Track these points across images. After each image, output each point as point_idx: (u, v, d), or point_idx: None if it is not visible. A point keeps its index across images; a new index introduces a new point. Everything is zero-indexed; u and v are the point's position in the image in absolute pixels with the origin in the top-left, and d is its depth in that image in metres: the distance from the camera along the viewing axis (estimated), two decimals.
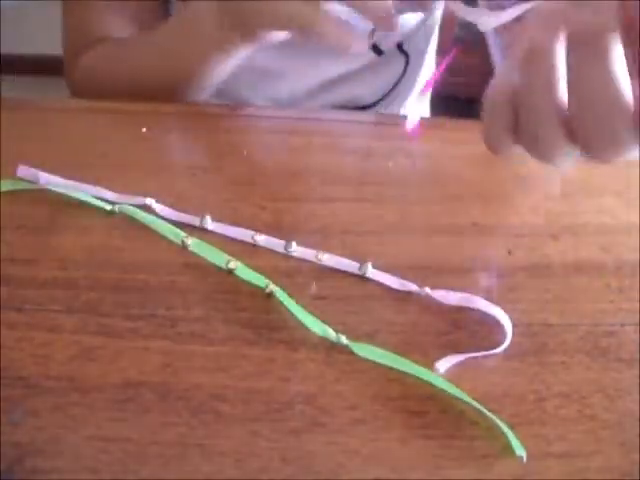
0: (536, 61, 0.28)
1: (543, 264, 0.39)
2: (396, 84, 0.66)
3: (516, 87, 0.30)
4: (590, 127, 0.28)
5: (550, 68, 0.28)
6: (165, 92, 0.50)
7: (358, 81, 0.63)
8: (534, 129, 0.30)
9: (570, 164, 0.31)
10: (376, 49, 0.62)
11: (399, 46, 0.63)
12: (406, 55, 0.65)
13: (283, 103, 0.62)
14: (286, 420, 0.29)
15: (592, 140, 0.28)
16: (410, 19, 0.61)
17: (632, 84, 0.27)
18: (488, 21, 0.35)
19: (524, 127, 0.30)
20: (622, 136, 0.27)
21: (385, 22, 0.40)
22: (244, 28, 0.45)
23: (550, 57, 0.28)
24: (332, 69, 0.62)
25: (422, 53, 0.68)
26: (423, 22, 0.63)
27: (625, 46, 0.27)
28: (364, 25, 0.43)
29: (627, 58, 0.27)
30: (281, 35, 0.45)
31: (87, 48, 0.56)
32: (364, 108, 0.65)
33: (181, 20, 0.51)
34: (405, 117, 0.40)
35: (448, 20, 0.69)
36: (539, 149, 0.30)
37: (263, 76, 0.61)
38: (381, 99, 0.66)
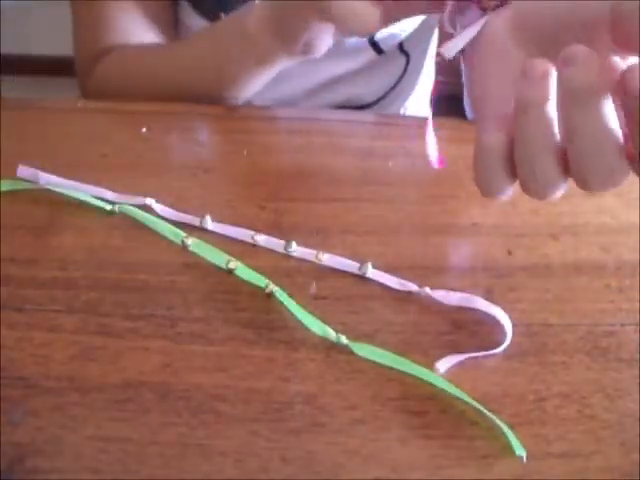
0: (530, 113, 0.29)
1: (543, 264, 0.39)
2: (396, 84, 0.66)
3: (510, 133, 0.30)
4: (586, 164, 0.29)
5: (545, 118, 0.29)
6: (193, 99, 0.50)
7: (358, 81, 0.63)
8: (531, 169, 0.30)
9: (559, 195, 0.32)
10: (377, 48, 0.61)
11: (400, 46, 0.63)
12: (407, 55, 0.64)
13: (283, 103, 0.62)
14: (286, 420, 0.29)
15: (588, 175, 0.29)
16: (412, 20, 0.61)
17: (619, 118, 0.28)
18: (449, 47, 0.36)
19: (520, 164, 0.31)
20: (616, 170, 0.30)
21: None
22: (287, 34, 0.44)
23: (544, 109, 0.28)
24: (332, 69, 0.62)
25: (422, 53, 0.68)
26: (425, 23, 0.63)
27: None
28: None
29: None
30: (320, 47, 0.45)
31: (101, 56, 0.56)
32: (364, 108, 0.65)
33: (222, 29, 0.50)
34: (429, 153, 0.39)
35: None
36: (532, 185, 0.31)
37: None
38: (381, 99, 0.66)
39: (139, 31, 0.56)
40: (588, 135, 0.28)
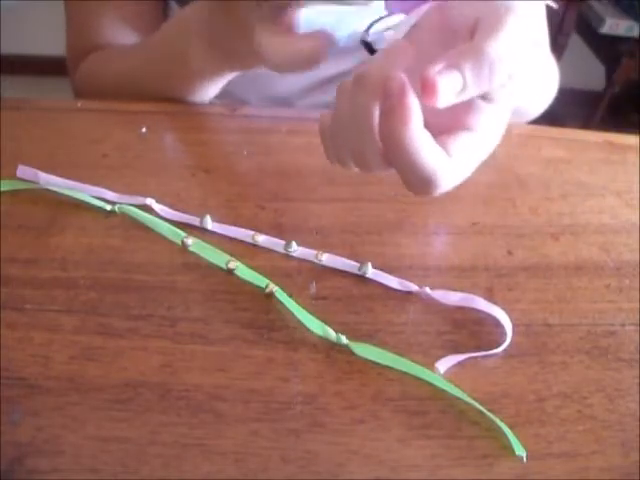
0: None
1: (543, 264, 0.39)
2: None
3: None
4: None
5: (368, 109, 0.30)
6: (161, 97, 0.50)
7: None
8: (359, 145, 0.32)
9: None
10: (369, 48, 0.61)
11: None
12: None
13: (278, 101, 0.62)
14: (286, 420, 0.29)
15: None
16: (405, 20, 0.61)
17: None
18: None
19: (353, 150, 0.33)
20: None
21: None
22: (237, 61, 0.45)
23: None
24: (326, 69, 0.62)
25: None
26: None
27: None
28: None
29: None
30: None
31: (87, 53, 0.56)
32: None
33: (171, 40, 0.51)
34: None
35: None
36: (362, 163, 0.33)
37: (256, 74, 0.61)
38: None
39: (127, 31, 0.56)
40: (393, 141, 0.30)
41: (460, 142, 0.31)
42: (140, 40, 0.57)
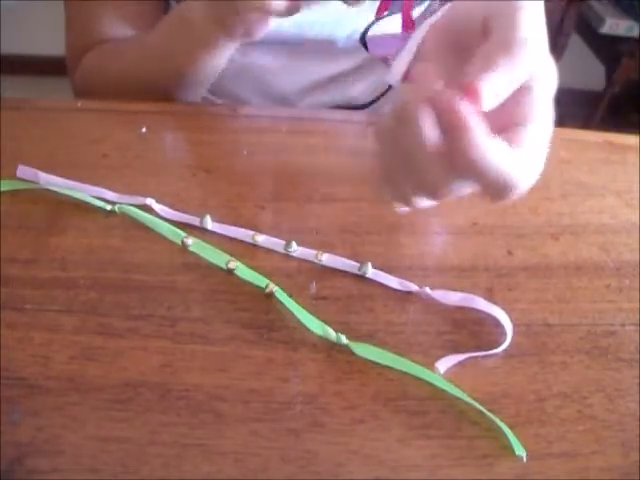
0: (406, 124, 0.30)
1: (543, 264, 0.39)
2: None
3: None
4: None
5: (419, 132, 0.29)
6: (158, 91, 0.50)
7: (353, 81, 0.63)
8: (422, 176, 0.31)
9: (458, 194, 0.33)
10: (365, 45, 0.61)
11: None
12: None
13: (277, 101, 0.63)
14: (286, 420, 0.29)
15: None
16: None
17: None
18: (393, 74, 0.37)
19: (415, 179, 0.32)
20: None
21: None
22: (223, 20, 0.46)
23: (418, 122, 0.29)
24: (325, 69, 0.62)
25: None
26: (418, 21, 0.63)
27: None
28: None
29: None
30: (257, 32, 0.46)
31: (87, 50, 0.56)
32: (361, 108, 0.65)
33: (170, 21, 0.51)
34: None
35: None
36: (432, 192, 0.32)
37: (257, 73, 0.61)
38: (378, 99, 0.66)
39: (127, 31, 0.56)
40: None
41: (522, 137, 0.30)
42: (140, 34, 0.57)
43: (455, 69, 0.30)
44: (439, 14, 0.34)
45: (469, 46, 0.30)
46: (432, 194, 0.32)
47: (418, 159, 0.30)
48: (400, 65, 0.36)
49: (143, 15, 0.57)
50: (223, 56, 0.50)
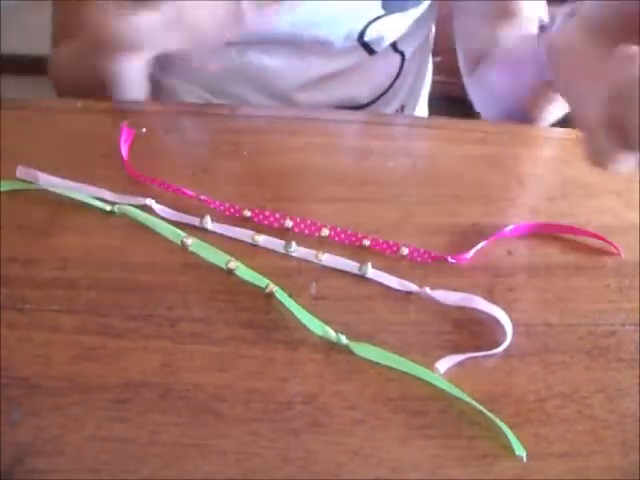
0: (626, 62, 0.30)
1: (543, 264, 0.39)
2: (393, 83, 0.66)
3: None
4: None
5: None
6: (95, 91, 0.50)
7: (353, 80, 0.63)
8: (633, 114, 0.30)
9: None
10: (368, 49, 0.61)
11: (393, 45, 0.63)
12: (401, 54, 0.64)
13: (276, 98, 0.63)
14: (286, 420, 0.29)
15: None
16: (403, 20, 0.61)
17: None
18: None
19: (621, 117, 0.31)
20: None
21: None
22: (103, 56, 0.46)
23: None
24: (322, 67, 0.62)
25: (418, 51, 0.68)
26: (419, 21, 0.63)
27: None
28: None
29: None
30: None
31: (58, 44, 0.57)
32: (361, 108, 0.65)
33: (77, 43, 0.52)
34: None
35: (444, 18, 0.68)
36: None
37: (255, 72, 0.61)
38: (378, 98, 0.66)
39: None
40: None
41: None
42: None
43: None
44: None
45: None
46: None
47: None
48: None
49: None
50: (130, 71, 0.49)
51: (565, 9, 0.40)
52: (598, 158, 0.34)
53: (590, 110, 0.33)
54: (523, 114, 0.53)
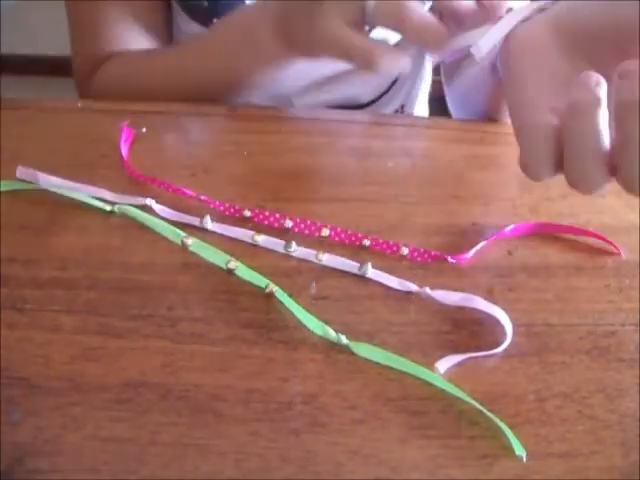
0: (582, 117, 0.30)
1: (543, 264, 0.39)
2: (393, 83, 0.66)
3: (561, 126, 0.32)
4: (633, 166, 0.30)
5: (596, 122, 0.30)
6: (203, 98, 0.51)
7: (354, 80, 0.63)
8: (581, 167, 0.31)
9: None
10: None
11: (395, 47, 0.63)
12: None
13: (279, 101, 0.63)
14: (286, 420, 0.29)
15: (633, 177, 0.31)
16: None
17: None
18: (480, 47, 0.37)
19: (569, 163, 0.32)
20: None
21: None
22: (300, 49, 0.46)
23: (596, 114, 0.30)
24: (326, 68, 0.62)
25: (419, 52, 0.67)
26: None
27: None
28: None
29: None
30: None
31: (100, 62, 0.56)
32: (361, 107, 0.65)
33: (228, 36, 0.51)
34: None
35: (445, 18, 0.68)
36: (582, 184, 0.32)
37: None
38: (378, 98, 0.66)
39: (136, 36, 0.57)
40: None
41: None
42: (157, 44, 0.58)
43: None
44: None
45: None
46: (578, 185, 0.32)
47: (586, 148, 0.30)
48: (488, 42, 0.37)
49: (149, 20, 0.58)
50: (289, 67, 0.50)
51: (537, 3, 0.39)
52: (536, 169, 0.34)
53: (539, 117, 0.33)
54: (492, 116, 0.53)
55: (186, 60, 0.53)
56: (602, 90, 0.29)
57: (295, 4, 0.44)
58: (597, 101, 0.29)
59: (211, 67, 0.51)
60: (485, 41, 0.37)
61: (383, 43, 0.43)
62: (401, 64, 0.41)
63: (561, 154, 0.32)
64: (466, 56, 0.40)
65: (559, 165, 0.32)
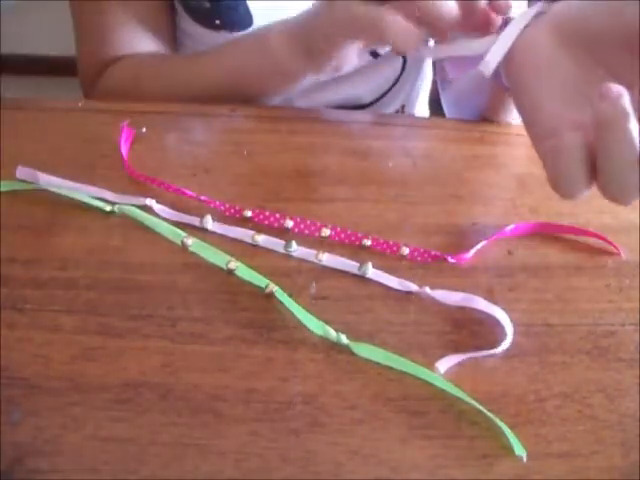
0: (611, 130, 0.30)
1: (543, 264, 0.39)
2: (394, 83, 0.66)
3: (593, 142, 0.31)
4: None
5: (628, 133, 0.29)
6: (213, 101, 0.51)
7: (355, 80, 0.63)
8: (621, 181, 0.31)
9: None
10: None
11: None
12: (404, 57, 0.64)
13: (280, 101, 0.62)
14: (286, 420, 0.29)
15: None
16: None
17: None
18: (488, 63, 0.37)
19: (608, 178, 0.31)
20: None
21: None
22: (317, 51, 0.46)
23: (626, 125, 0.29)
24: None
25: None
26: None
27: None
28: None
29: None
30: (349, 65, 0.47)
31: (106, 66, 0.56)
32: (362, 107, 0.65)
33: (244, 48, 0.52)
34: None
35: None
36: (624, 196, 0.31)
37: None
38: (379, 98, 0.66)
39: (141, 39, 0.57)
40: None
41: None
42: (162, 47, 0.58)
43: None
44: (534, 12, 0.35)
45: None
46: (616, 195, 0.31)
47: (623, 158, 0.30)
48: (495, 56, 0.37)
49: (153, 24, 0.58)
50: (302, 84, 0.50)
51: (535, 7, 0.38)
52: (570, 189, 0.33)
53: (566, 140, 0.32)
54: (489, 118, 0.53)
55: (196, 73, 0.53)
56: (627, 101, 0.29)
57: (312, 9, 0.45)
58: (625, 114, 0.29)
59: (220, 82, 0.52)
60: (492, 56, 0.37)
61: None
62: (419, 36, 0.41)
63: (592, 168, 0.31)
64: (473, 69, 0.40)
65: (592, 180, 0.32)
